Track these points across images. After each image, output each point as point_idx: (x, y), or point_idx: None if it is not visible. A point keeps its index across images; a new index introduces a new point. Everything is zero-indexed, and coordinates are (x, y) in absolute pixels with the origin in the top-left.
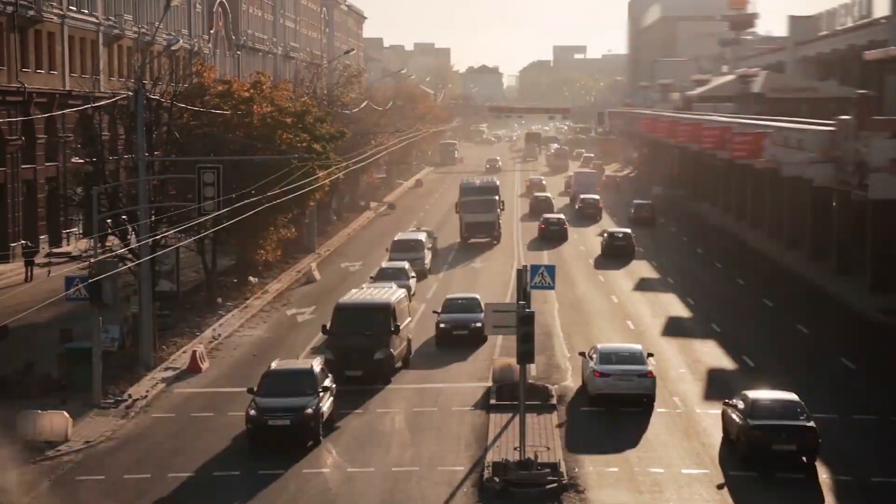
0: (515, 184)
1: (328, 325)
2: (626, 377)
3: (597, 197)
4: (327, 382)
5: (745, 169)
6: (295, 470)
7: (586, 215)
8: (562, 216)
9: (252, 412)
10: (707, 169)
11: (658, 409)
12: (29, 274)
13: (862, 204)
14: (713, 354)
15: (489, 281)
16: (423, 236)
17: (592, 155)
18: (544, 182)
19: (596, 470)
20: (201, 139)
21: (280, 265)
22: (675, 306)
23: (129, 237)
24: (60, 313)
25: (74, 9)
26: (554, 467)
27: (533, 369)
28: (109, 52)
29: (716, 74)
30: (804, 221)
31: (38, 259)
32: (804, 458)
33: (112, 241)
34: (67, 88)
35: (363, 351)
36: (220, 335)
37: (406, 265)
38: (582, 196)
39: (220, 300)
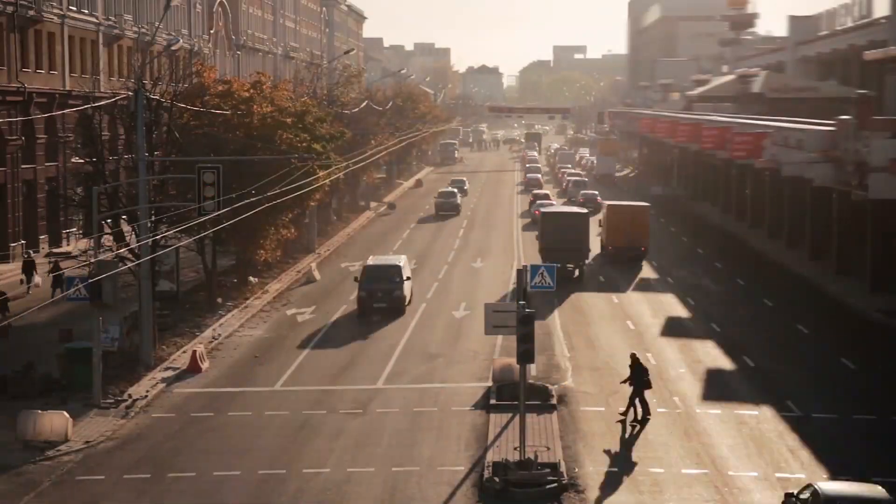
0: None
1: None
2: None
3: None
4: None
5: (745, 169)
6: (295, 470)
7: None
8: None
9: None
10: (707, 169)
11: (658, 410)
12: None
13: (862, 204)
14: (713, 354)
15: (489, 281)
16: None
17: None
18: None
19: (596, 470)
20: (201, 139)
21: (280, 265)
22: (675, 306)
23: (127, 236)
24: (60, 313)
25: (74, 9)
26: (554, 467)
27: (533, 369)
28: (109, 52)
29: (716, 74)
30: (804, 221)
31: (39, 260)
32: None
33: (111, 240)
34: (67, 88)
35: None
36: (220, 335)
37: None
38: None
39: (220, 300)
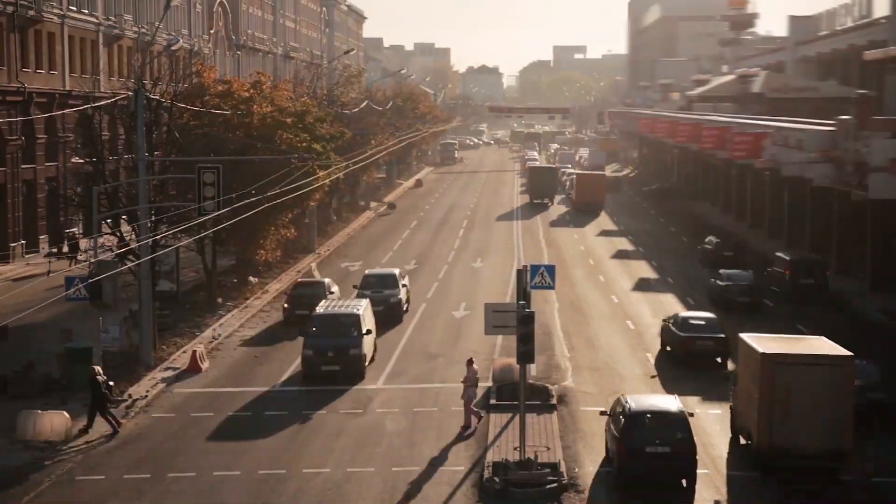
0: (515, 187)
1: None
2: None
3: None
4: None
5: (745, 169)
6: (295, 470)
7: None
8: None
9: None
10: (707, 169)
11: None
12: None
13: (862, 204)
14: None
15: (489, 281)
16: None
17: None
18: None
19: (596, 470)
20: (201, 139)
21: (280, 265)
22: (676, 306)
23: (127, 236)
24: (60, 313)
25: (74, 9)
26: (554, 467)
27: (533, 369)
28: (109, 52)
29: (716, 74)
30: (804, 221)
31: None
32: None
33: (111, 240)
34: (67, 88)
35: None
36: (220, 335)
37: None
38: None
39: (220, 300)
